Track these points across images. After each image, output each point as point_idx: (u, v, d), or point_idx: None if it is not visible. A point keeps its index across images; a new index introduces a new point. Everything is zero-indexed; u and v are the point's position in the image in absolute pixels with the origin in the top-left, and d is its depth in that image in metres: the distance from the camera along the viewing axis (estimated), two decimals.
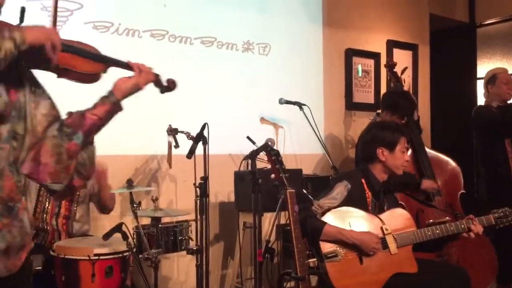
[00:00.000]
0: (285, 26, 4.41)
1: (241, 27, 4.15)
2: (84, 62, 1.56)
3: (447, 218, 2.72)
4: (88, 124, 1.52)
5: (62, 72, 1.52)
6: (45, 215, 2.85)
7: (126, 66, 1.67)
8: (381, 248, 2.47)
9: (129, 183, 2.85)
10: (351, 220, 2.51)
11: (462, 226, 2.58)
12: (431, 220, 2.69)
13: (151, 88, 3.73)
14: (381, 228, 2.53)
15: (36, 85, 1.49)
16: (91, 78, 1.60)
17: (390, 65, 4.03)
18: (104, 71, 1.64)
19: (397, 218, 2.61)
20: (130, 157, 3.53)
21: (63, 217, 2.88)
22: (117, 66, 1.68)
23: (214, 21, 3.99)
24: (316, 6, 4.63)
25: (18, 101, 1.41)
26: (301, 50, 4.50)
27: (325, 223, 2.45)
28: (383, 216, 2.59)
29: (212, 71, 3.96)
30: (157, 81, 1.74)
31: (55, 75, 1.55)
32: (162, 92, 1.80)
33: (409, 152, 2.83)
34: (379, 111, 4.06)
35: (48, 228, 2.84)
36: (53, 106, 1.52)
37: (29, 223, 1.49)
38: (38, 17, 3.18)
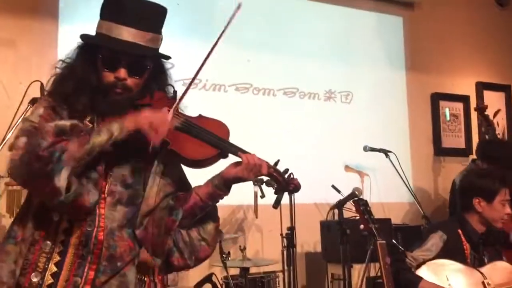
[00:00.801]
0: (367, 73, 4.41)
1: (322, 77, 4.20)
2: (198, 147, 1.48)
3: None
4: (191, 203, 1.48)
5: (167, 156, 1.45)
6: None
7: (237, 152, 1.54)
8: None
9: (219, 234, 2.90)
10: (448, 274, 2.36)
11: None
12: None
13: (235, 138, 3.82)
14: (483, 282, 2.35)
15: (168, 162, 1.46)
16: (197, 164, 1.49)
17: (481, 108, 3.84)
18: (223, 156, 1.53)
19: (499, 272, 2.42)
20: (217, 207, 3.60)
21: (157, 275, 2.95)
22: (232, 153, 1.54)
23: (296, 72, 4.09)
24: (398, 51, 4.60)
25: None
26: (384, 96, 4.45)
27: (421, 278, 2.32)
28: (484, 269, 2.41)
29: (296, 120, 4.02)
30: (272, 177, 1.56)
31: None
32: (276, 193, 1.63)
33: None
34: (475, 157, 3.84)
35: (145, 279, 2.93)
36: (175, 182, 1.48)
37: (134, 281, 1.45)
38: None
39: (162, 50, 1.67)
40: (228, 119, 4.13)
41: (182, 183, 1.54)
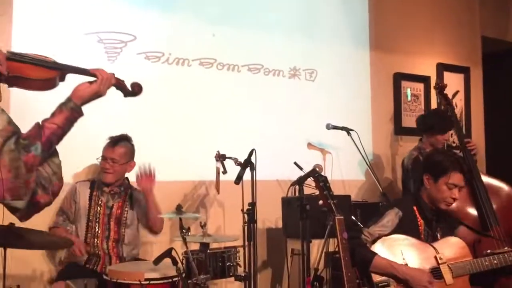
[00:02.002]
0: (331, 51, 4.42)
1: (287, 54, 4.19)
2: (36, 70, 1.56)
3: (506, 248, 2.59)
4: (46, 134, 1.49)
5: (13, 80, 1.52)
6: (96, 240, 2.93)
7: (86, 72, 1.67)
8: None
9: (179, 209, 2.89)
10: (403, 249, 2.43)
11: None
12: (489, 251, 2.56)
13: (199, 114, 3.80)
14: (435, 257, 2.44)
15: None
16: (44, 84, 1.59)
17: (440, 87, 3.92)
18: (61, 79, 1.63)
19: (451, 247, 2.51)
20: (179, 183, 3.59)
21: (113, 241, 2.95)
22: (75, 72, 1.67)
23: (261, 48, 4.06)
24: (363, 30, 4.63)
25: None
26: (348, 75, 4.49)
27: (375, 254, 2.38)
28: (436, 244, 2.50)
29: (259, 97, 4.01)
30: (119, 85, 1.76)
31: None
32: (125, 96, 1.80)
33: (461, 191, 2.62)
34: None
35: (99, 253, 2.92)
36: (9, 121, 1.46)
37: None
38: (94, 49, 3.35)
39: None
40: (192, 94, 4.10)
41: (13, 125, 1.50)
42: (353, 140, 3.92)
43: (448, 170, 2.49)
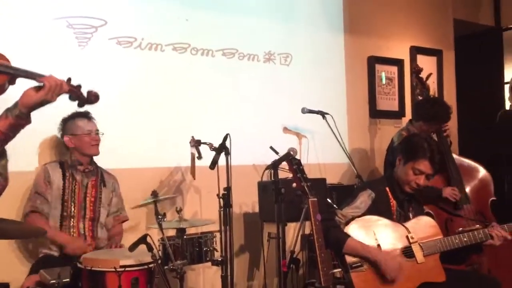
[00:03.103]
0: (306, 35, 4.42)
1: (262, 38, 4.17)
2: None
3: (477, 226, 2.66)
4: None
5: None
6: (72, 220, 2.91)
7: (34, 77, 1.59)
8: (399, 279, 2.39)
9: (154, 195, 2.88)
10: (376, 229, 2.48)
11: (487, 233, 2.52)
12: (460, 229, 2.63)
13: (173, 100, 3.78)
14: (407, 236, 2.49)
15: None
16: None
17: (416, 71, 3.98)
18: (11, 82, 1.57)
19: (423, 226, 2.57)
20: (154, 169, 3.57)
21: (89, 220, 2.94)
22: (26, 77, 1.59)
23: (235, 33, 4.03)
24: (337, 14, 4.63)
25: None
26: (323, 59, 4.50)
27: (348, 236, 2.42)
28: (408, 224, 2.55)
29: (234, 82, 3.99)
30: (73, 93, 1.67)
31: None
32: (80, 106, 1.72)
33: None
34: (408, 119, 4.00)
35: (75, 235, 2.89)
36: None
37: None
38: (64, 35, 3.28)
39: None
40: (165, 80, 4.07)
41: None
42: (328, 124, 3.95)
43: (417, 156, 2.52)
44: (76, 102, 1.72)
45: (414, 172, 2.53)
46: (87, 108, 2.03)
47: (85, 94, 1.71)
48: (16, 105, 1.52)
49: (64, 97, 1.68)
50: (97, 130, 3.00)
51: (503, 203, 3.86)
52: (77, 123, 2.99)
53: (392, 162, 3.72)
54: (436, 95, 5.19)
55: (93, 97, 1.74)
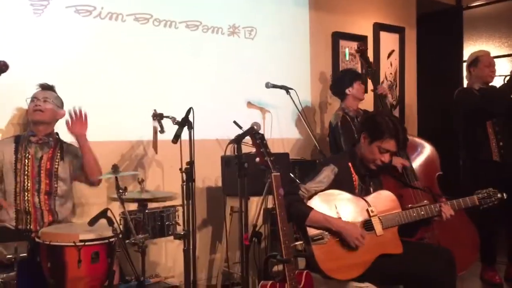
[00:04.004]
0: (271, 9, 4.38)
1: (226, 11, 4.10)
2: None
3: (425, 201, 2.75)
4: None
5: None
6: (26, 194, 2.82)
7: None
8: (363, 244, 2.46)
9: (115, 169, 2.83)
10: (337, 203, 2.52)
11: (436, 209, 2.61)
12: (410, 205, 2.71)
13: (135, 73, 3.70)
14: (367, 210, 2.55)
15: None
16: None
17: (361, 50, 4.04)
18: None
19: (382, 200, 2.63)
20: (116, 143, 3.50)
21: (44, 193, 2.84)
22: None
23: (200, 4, 3.95)
24: None
25: None
26: (287, 33, 4.47)
27: (311, 208, 2.46)
28: (369, 198, 2.61)
29: (198, 55, 3.92)
30: None
31: None
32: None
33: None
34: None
35: (30, 209, 2.80)
36: None
37: None
38: (18, 2, 3.13)
39: None
40: (127, 52, 3.96)
41: None
42: (292, 99, 3.96)
43: (384, 135, 2.55)
44: None
45: (380, 151, 2.58)
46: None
47: None
48: None
49: None
50: (46, 98, 2.87)
51: (457, 177, 4.02)
52: (35, 92, 2.89)
53: (333, 143, 3.84)
54: (398, 72, 5.28)
55: (3, 66, 1.66)
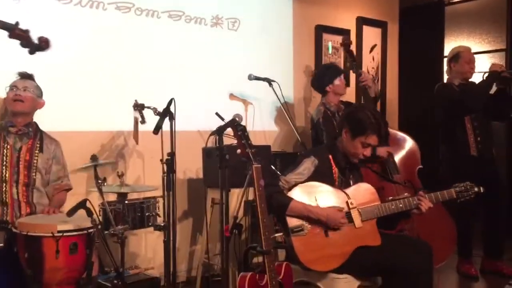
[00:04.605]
0: (255, 1, 4.36)
1: (210, 2, 4.07)
2: None
3: (406, 194, 2.78)
4: None
5: None
6: (4, 185, 2.76)
7: None
8: (347, 223, 2.51)
9: (94, 159, 2.80)
10: (317, 195, 2.54)
11: (415, 202, 2.64)
12: (390, 197, 2.74)
13: (116, 62, 3.66)
14: (347, 202, 2.57)
15: None
16: None
17: (346, 44, 4.07)
18: None
19: (362, 193, 2.65)
20: (96, 133, 3.46)
21: (23, 185, 2.78)
22: None
23: None
24: None
25: None
26: (271, 25, 4.46)
27: (291, 199, 2.47)
28: (348, 190, 2.62)
29: (180, 46, 3.89)
30: (21, 38, 1.55)
31: None
32: (31, 52, 1.62)
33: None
34: None
35: (7, 200, 2.75)
36: None
37: None
38: None
39: None
40: (108, 41, 3.92)
41: None
42: (275, 91, 3.96)
43: (366, 131, 2.58)
44: (28, 50, 1.62)
45: (363, 146, 2.61)
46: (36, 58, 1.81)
47: (36, 40, 1.60)
48: None
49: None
50: (25, 87, 2.80)
51: (437, 171, 4.07)
52: (14, 80, 2.83)
53: (315, 137, 3.86)
54: (380, 67, 5.31)
55: (43, 43, 1.63)
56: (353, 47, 4.82)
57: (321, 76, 3.96)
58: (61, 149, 2.96)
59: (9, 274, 2.45)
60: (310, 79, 4.34)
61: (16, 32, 1.55)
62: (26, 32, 1.57)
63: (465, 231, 3.83)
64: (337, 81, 3.86)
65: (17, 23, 1.55)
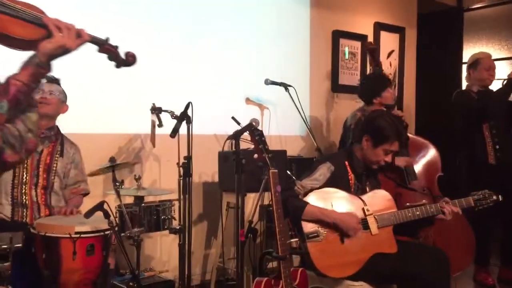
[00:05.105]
0: (273, 7, 4.37)
1: (227, 6, 4.09)
2: (24, 27, 1.41)
3: (424, 201, 2.75)
4: (12, 91, 1.40)
5: None
6: (24, 187, 2.79)
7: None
8: (362, 229, 2.49)
9: (112, 161, 2.83)
10: (333, 201, 2.52)
11: (439, 208, 2.61)
12: (408, 204, 2.72)
13: (134, 66, 3.66)
14: (363, 209, 2.55)
15: None
16: (28, 45, 1.45)
17: (370, 49, 4.03)
18: (49, 37, 1.47)
19: (378, 199, 2.63)
20: (114, 135, 3.50)
21: (41, 188, 2.81)
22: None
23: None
24: None
25: None
26: (288, 31, 4.47)
27: (307, 202, 2.46)
28: (364, 197, 2.61)
29: (198, 50, 3.92)
30: (110, 52, 1.61)
31: None
32: (118, 66, 1.67)
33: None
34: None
35: (27, 202, 2.79)
36: None
37: None
38: None
39: None
40: (127, 44, 3.90)
41: None
42: (291, 96, 3.96)
43: (389, 139, 2.58)
44: (115, 64, 1.68)
45: (385, 153, 2.60)
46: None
47: (122, 55, 1.67)
48: (35, 55, 1.45)
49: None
50: (51, 91, 2.83)
51: (454, 178, 4.03)
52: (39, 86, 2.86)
53: (342, 141, 3.83)
54: (397, 72, 5.28)
55: (130, 58, 1.69)
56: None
57: (369, 88, 3.77)
58: (80, 154, 2.99)
59: (27, 274, 2.48)
60: (358, 88, 4.18)
61: (106, 47, 1.62)
62: (115, 48, 1.65)
63: (482, 240, 3.78)
64: (385, 93, 3.68)
65: (107, 39, 1.62)
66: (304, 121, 3.99)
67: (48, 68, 1.47)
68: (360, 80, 4.33)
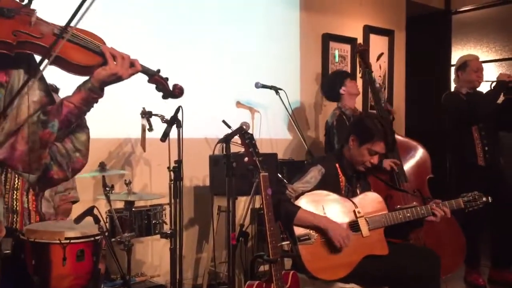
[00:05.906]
0: (262, 10, 4.38)
1: (216, 9, 4.09)
2: (82, 53, 1.47)
3: (414, 203, 2.77)
4: (64, 112, 1.46)
5: (54, 59, 1.40)
6: (15, 192, 2.77)
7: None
8: (347, 246, 2.46)
9: (102, 166, 2.81)
10: (324, 204, 2.53)
11: (430, 210, 2.62)
12: (398, 206, 2.73)
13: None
14: (354, 211, 2.56)
15: (33, 70, 1.41)
16: (84, 71, 1.51)
17: (360, 50, 4.07)
18: (104, 64, 1.53)
19: (369, 202, 2.64)
20: (103, 140, 3.48)
21: (33, 194, 2.79)
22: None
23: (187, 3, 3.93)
24: None
25: (8, 83, 1.36)
26: (278, 34, 4.48)
27: (299, 207, 2.46)
28: (356, 199, 2.62)
29: (188, 54, 3.91)
30: (158, 83, 1.68)
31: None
32: (164, 98, 1.73)
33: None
34: None
35: (18, 208, 2.76)
36: (47, 93, 1.46)
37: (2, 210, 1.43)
38: None
39: None
40: (115, 46, 3.87)
41: (50, 97, 1.51)
42: (281, 99, 3.97)
43: (373, 138, 2.58)
44: (161, 94, 1.72)
45: (370, 153, 2.60)
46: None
47: (170, 86, 1.72)
48: (89, 80, 1.51)
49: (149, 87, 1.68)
50: None
51: (444, 180, 4.05)
52: None
53: (328, 142, 3.86)
54: (387, 75, 5.31)
55: (177, 91, 1.73)
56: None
57: (331, 83, 3.98)
58: None
59: (16, 280, 2.45)
60: (319, 88, 4.35)
61: (155, 78, 1.69)
62: (165, 80, 1.71)
63: (472, 241, 3.80)
64: (347, 82, 3.88)
65: (158, 71, 1.69)
66: (294, 124, 3.99)
67: (100, 93, 1.53)
68: (322, 84, 4.53)
